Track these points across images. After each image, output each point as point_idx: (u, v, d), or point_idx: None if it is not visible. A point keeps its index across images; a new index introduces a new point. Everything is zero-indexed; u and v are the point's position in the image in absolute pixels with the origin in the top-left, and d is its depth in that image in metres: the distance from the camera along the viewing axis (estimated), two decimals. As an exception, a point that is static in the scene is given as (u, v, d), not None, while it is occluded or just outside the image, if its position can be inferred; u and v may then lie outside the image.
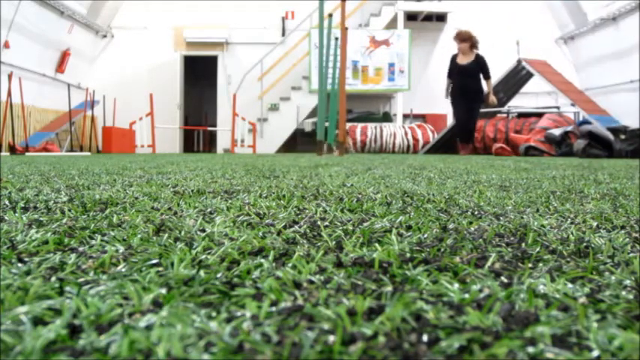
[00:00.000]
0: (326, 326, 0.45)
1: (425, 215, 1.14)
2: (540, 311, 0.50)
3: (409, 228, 0.97)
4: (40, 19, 11.09)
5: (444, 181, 2.21)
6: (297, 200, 1.41)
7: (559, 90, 10.21)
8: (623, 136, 8.17)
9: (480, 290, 0.56)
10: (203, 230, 0.93)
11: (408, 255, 0.73)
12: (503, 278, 0.63)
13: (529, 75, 11.08)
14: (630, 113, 10.41)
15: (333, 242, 0.83)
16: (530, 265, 0.70)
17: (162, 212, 1.16)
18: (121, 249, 0.76)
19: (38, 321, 0.47)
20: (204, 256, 0.72)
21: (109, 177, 2.36)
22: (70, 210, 1.17)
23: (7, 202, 1.31)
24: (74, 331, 0.45)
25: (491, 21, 13.26)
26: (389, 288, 0.57)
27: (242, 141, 12.75)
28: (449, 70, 10.12)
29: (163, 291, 0.55)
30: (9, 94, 9.50)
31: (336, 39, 8.46)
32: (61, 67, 12.27)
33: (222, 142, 13.74)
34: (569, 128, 9.33)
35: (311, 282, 0.60)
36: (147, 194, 1.54)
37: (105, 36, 13.94)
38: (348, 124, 11.59)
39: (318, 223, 1.01)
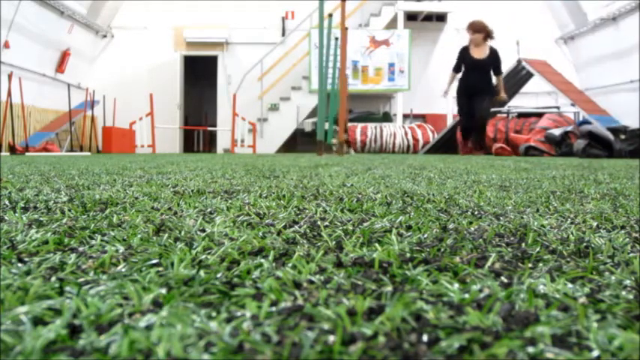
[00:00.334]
0: (326, 326, 0.45)
1: (425, 215, 1.14)
2: (540, 311, 0.50)
3: (409, 228, 0.97)
4: (40, 19, 11.09)
5: (444, 181, 2.21)
6: (297, 200, 1.41)
7: (559, 90, 10.21)
8: (623, 136, 8.17)
9: (480, 290, 0.56)
10: (203, 230, 0.93)
11: (408, 255, 0.73)
12: (503, 278, 0.63)
13: (529, 75, 11.08)
14: (630, 113, 10.42)
15: (333, 242, 0.83)
16: (530, 265, 0.70)
17: (162, 212, 1.16)
18: (121, 249, 0.76)
19: (38, 321, 0.47)
20: (204, 256, 0.72)
21: (109, 177, 2.36)
22: (70, 210, 1.17)
23: (7, 202, 1.31)
24: (74, 331, 0.45)
25: (491, 21, 13.26)
26: (389, 288, 0.57)
27: (242, 141, 12.75)
28: (457, 63, 9.25)
29: (163, 291, 0.55)
30: (9, 94, 9.50)
31: (336, 39, 8.46)
32: (61, 67, 12.28)
33: (222, 142, 13.75)
34: (569, 128, 9.33)
35: (311, 282, 0.60)
36: (147, 194, 1.54)
37: (105, 36, 13.94)
38: (348, 124, 11.59)
39: (318, 223, 1.01)
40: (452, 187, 1.93)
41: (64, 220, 1.02)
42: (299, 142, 13.43)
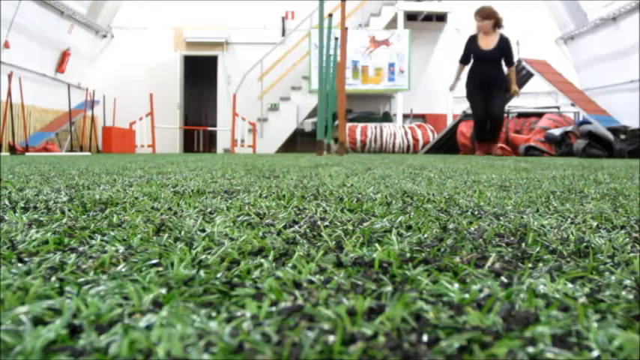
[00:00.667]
0: (326, 326, 0.45)
1: (425, 215, 1.14)
2: (540, 311, 0.50)
3: (409, 228, 0.97)
4: (40, 19, 11.09)
5: (444, 181, 2.21)
6: (297, 200, 1.41)
7: (559, 90, 10.20)
8: (623, 136, 8.17)
9: (480, 290, 0.56)
10: (203, 230, 0.93)
11: (408, 255, 0.73)
12: (503, 278, 0.63)
13: (529, 75, 11.08)
14: (630, 113, 10.41)
15: (333, 242, 0.83)
16: (530, 265, 0.70)
17: (162, 212, 1.16)
18: (121, 249, 0.76)
19: (38, 321, 0.47)
20: (204, 256, 0.72)
21: (109, 177, 2.36)
22: (70, 210, 1.17)
23: (7, 202, 1.31)
24: (74, 331, 0.45)
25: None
26: (389, 288, 0.57)
27: (242, 141, 12.76)
28: (464, 54, 8.51)
29: (163, 291, 0.55)
30: (9, 94, 9.50)
31: (336, 39, 8.46)
32: (61, 67, 12.28)
33: (222, 142, 13.75)
34: (569, 128, 9.33)
35: (311, 282, 0.60)
36: (147, 194, 1.54)
37: (105, 36, 13.94)
38: (348, 124, 11.60)
39: (318, 223, 1.01)
40: (452, 187, 1.93)
41: (64, 220, 1.02)
42: (299, 142, 13.43)
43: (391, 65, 13.30)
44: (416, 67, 13.66)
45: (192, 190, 1.69)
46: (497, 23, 8.25)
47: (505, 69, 8.50)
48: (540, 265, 0.70)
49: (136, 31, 13.90)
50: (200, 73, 15.84)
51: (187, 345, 0.40)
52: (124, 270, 0.65)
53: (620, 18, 11.39)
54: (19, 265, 0.67)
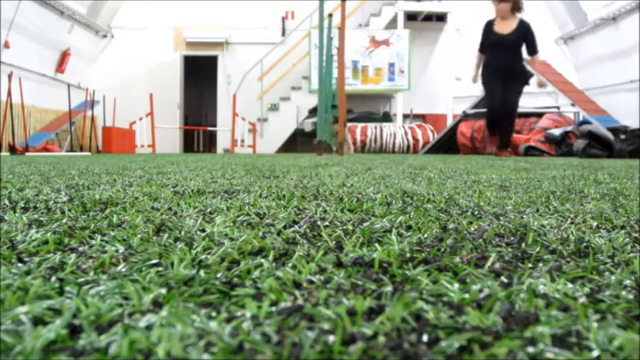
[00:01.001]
0: (326, 326, 0.45)
1: (425, 215, 1.14)
2: (540, 311, 0.50)
3: (409, 228, 0.97)
4: (40, 19, 11.09)
5: (444, 181, 2.21)
6: (297, 200, 1.41)
7: (559, 90, 10.20)
8: (623, 136, 8.17)
9: (480, 290, 0.56)
10: (203, 230, 0.93)
11: (408, 255, 0.73)
12: (503, 278, 0.63)
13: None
14: (630, 113, 10.41)
15: (333, 242, 0.83)
16: (530, 265, 0.70)
17: (162, 212, 1.16)
18: (121, 249, 0.76)
19: (38, 321, 0.47)
20: (204, 256, 0.72)
21: (109, 177, 2.36)
22: (70, 210, 1.17)
23: (7, 202, 1.31)
24: (74, 331, 0.45)
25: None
26: (389, 288, 0.57)
27: (242, 141, 12.76)
28: (482, 41, 7.73)
29: (163, 291, 0.55)
30: (9, 94, 9.50)
31: (331, 38, 8.44)
32: (61, 67, 12.28)
33: (222, 142, 13.75)
34: (569, 128, 9.33)
35: (311, 282, 0.60)
36: (147, 194, 1.54)
37: (105, 36, 13.94)
38: (348, 124, 11.59)
39: (318, 223, 1.01)
40: (452, 187, 1.93)
41: (64, 220, 1.02)
42: (299, 142, 13.43)
43: (391, 65, 13.30)
44: (416, 67, 13.66)
45: (192, 190, 1.69)
46: (517, 6, 7.57)
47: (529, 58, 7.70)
48: (540, 265, 0.70)
49: (135, 31, 13.90)
50: (200, 73, 15.84)
51: (187, 345, 0.40)
52: (124, 270, 0.65)
53: (620, 18, 11.39)
54: (19, 265, 0.67)
